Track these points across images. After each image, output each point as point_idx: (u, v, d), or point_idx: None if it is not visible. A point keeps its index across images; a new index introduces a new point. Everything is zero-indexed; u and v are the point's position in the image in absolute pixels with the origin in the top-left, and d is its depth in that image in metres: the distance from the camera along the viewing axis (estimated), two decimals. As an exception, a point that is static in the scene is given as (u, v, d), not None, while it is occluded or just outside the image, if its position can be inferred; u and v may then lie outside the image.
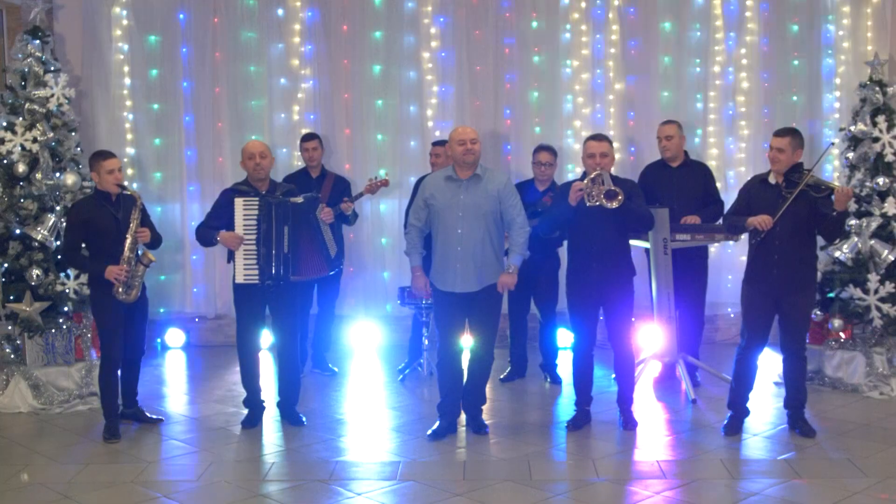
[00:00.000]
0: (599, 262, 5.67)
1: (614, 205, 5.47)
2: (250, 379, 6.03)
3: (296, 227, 5.82)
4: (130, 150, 8.29)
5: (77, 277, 6.70)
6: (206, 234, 5.87)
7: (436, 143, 7.26)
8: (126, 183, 5.83)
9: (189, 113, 8.29)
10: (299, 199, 5.86)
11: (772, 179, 5.62)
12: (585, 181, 5.57)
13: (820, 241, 6.80)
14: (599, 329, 5.95)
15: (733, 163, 8.23)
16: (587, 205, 5.52)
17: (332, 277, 6.88)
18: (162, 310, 8.39)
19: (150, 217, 6.06)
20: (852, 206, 6.96)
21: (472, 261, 5.59)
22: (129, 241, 5.70)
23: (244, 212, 5.79)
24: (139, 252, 5.79)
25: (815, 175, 5.55)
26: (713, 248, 7.90)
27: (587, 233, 5.69)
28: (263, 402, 6.12)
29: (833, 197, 5.46)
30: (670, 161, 6.79)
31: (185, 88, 8.27)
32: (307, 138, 7.35)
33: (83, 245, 5.86)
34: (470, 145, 5.59)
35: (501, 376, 7.11)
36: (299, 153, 7.59)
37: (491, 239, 5.63)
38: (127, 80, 8.23)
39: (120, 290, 5.68)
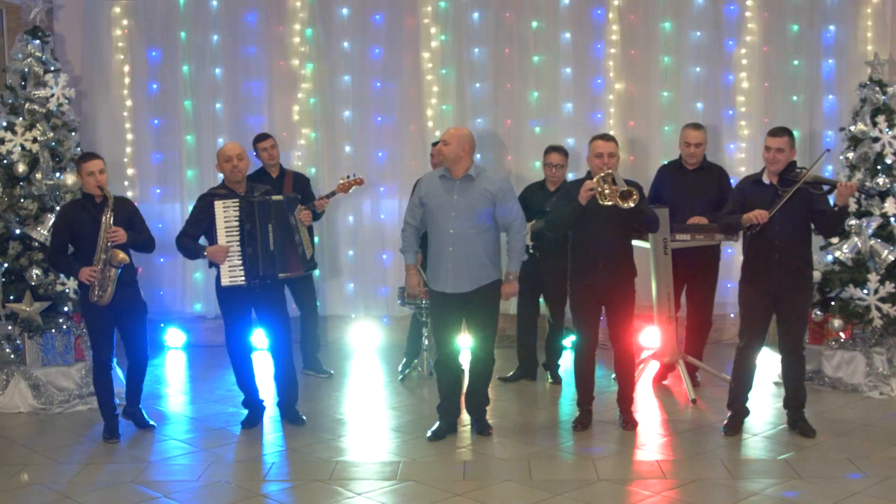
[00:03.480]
0: (602, 262, 5.67)
1: (630, 204, 5.44)
2: (246, 380, 6.02)
3: (278, 226, 5.82)
4: (129, 149, 8.28)
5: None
6: (190, 246, 5.81)
7: (437, 143, 7.22)
8: (107, 187, 5.72)
9: (188, 98, 8.27)
10: (280, 198, 5.89)
11: (766, 179, 5.62)
12: (595, 180, 5.54)
13: (820, 240, 6.85)
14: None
15: (733, 164, 8.21)
16: (600, 203, 5.49)
17: (307, 277, 6.87)
18: (162, 321, 8.38)
19: (141, 220, 5.92)
20: (852, 206, 6.96)
21: (463, 261, 5.56)
22: (100, 242, 5.64)
23: (225, 214, 5.76)
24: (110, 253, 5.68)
25: (814, 172, 5.54)
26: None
27: (590, 233, 5.68)
28: (262, 401, 6.12)
29: (835, 191, 5.46)
30: (688, 163, 6.75)
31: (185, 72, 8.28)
32: (262, 138, 7.20)
33: (70, 248, 5.83)
34: (440, 146, 5.62)
35: (507, 375, 7.07)
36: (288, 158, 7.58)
37: (483, 240, 5.60)
38: (126, 79, 8.23)
39: (95, 291, 5.66)
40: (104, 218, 5.65)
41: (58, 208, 6.68)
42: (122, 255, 5.63)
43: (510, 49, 8.18)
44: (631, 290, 5.81)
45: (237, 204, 5.78)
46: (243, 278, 5.76)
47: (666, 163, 7.07)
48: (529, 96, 8.22)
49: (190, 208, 8.21)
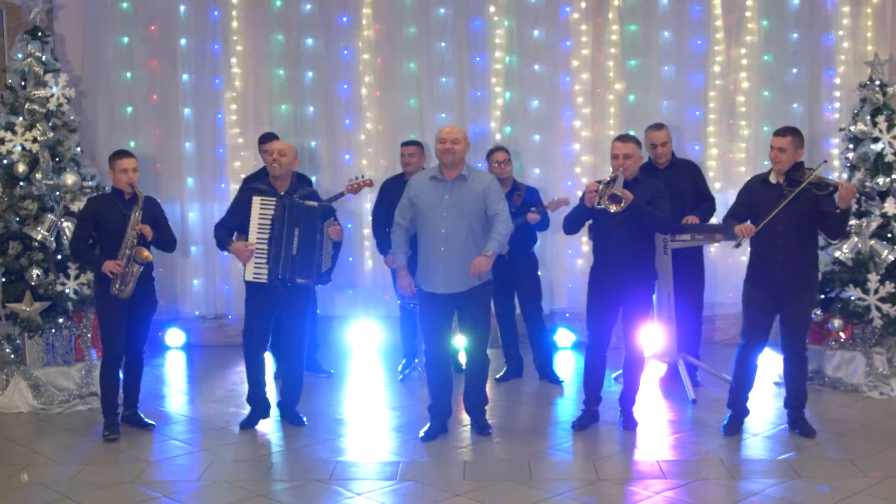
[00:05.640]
0: (620, 262, 5.65)
1: (614, 209, 5.46)
2: (256, 376, 5.99)
3: (304, 231, 5.82)
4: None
5: (77, 277, 6.70)
6: (223, 238, 5.88)
7: (406, 144, 7.21)
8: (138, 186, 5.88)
9: (188, 106, 8.28)
10: (314, 204, 5.88)
11: (772, 179, 5.62)
12: (602, 183, 5.57)
13: (821, 240, 6.85)
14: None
15: (733, 162, 8.22)
16: (595, 206, 5.52)
17: None
18: (162, 321, 8.37)
19: (165, 220, 6.05)
20: (853, 206, 6.96)
21: (455, 261, 5.55)
22: (125, 238, 5.72)
23: (261, 211, 5.78)
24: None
25: (818, 173, 5.54)
26: (713, 248, 7.90)
27: (609, 234, 5.67)
28: (268, 400, 6.10)
29: (837, 194, 5.46)
30: (658, 163, 6.78)
31: (185, 82, 8.26)
32: (267, 138, 7.11)
33: (92, 240, 5.92)
34: (450, 144, 5.54)
35: (497, 376, 7.11)
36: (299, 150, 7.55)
37: (475, 240, 5.58)
38: (127, 75, 8.24)
39: (116, 285, 5.70)
40: (133, 214, 5.75)
41: (68, 206, 6.76)
42: (146, 252, 5.75)
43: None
44: (648, 291, 5.81)
45: (273, 202, 5.79)
46: (265, 276, 5.78)
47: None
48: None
49: (189, 207, 8.33)
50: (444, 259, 5.57)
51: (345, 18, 8.19)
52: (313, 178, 8.12)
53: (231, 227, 5.93)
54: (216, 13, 8.21)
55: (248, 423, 6.01)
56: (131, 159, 5.87)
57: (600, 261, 5.78)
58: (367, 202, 8.26)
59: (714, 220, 6.91)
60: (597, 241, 5.85)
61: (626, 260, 5.66)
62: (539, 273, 7.08)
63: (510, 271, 6.79)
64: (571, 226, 5.90)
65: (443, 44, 8.16)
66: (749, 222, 5.66)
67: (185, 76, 8.24)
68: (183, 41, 8.21)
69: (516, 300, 7.09)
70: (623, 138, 5.77)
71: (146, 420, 6.06)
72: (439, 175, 5.62)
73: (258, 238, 5.78)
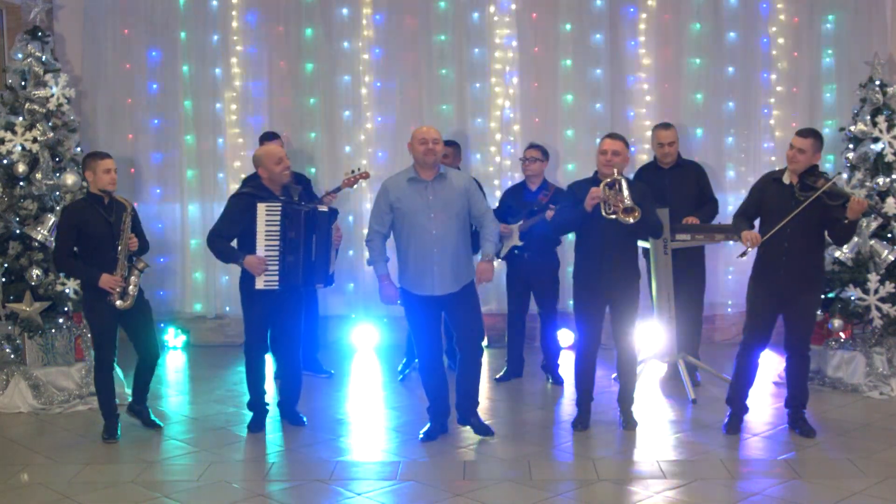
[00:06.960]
0: (607, 263, 5.64)
1: (631, 220, 5.45)
2: (258, 382, 5.97)
3: (321, 237, 5.79)
4: (130, 151, 8.28)
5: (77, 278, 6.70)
6: (226, 250, 5.73)
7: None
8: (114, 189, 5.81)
9: (188, 99, 8.28)
10: (325, 209, 5.87)
11: (786, 179, 5.60)
12: (601, 186, 5.54)
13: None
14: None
15: (732, 161, 8.22)
16: (603, 214, 5.50)
17: None
18: (162, 321, 8.37)
19: (140, 223, 5.94)
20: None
21: (449, 262, 5.52)
22: (121, 250, 5.67)
23: (267, 217, 5.66)
24: (132, 259, 5.76)
25: (834, 182, 5.50)
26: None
27: (596, 234, 5.65)
28: (268, 405, 6.09)
29: (847, 205, 5.42)
30: (664, 163, 6.78)
31: (185, 74, 8.27)
32: (269, 137, 7.08)
33: (75, 249, 5.80)
34: (432, 145, 5.48)
35: (497, 376, 7.12)
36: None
37: (464, 237, 5.60)
38: (127, 79, 8.23)
39: (116, 298, 5.65)
40: (124, 223, 5.68)
41: (58, 208, 6.69)
42: (144, 260, 5.78)
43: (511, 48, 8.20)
44: (635, 290, 5.80)
45: (279, 208, 5.69)
46: (277, 283, 5.69)
47: (643, 165, 7.11)
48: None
49: (190, 208, 8.32)
50: (437, 261, 5.52)
51: (345, 10, 8.20)
52: (312, 171, 8.15)
53: (230, 238, 5.76)
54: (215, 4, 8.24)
55: (256, 428, 5.96)
56: (111, 159, 5.76)
57: (590, 262, 5.73)
58: (367, 201, 8.26)
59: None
60: (586, 242, 5.76)
61: (617, 261, 5.66)
62: (558, 274, 7.00)
63: (530, 271, 6.78)
64: (564, 229, 5.89)
65: (443, 37, 8.17)
66: (759, 221, 5.66)
67: (184, 69, 8.24)
68: (182, 34, 8.21)
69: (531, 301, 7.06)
70: (613, 136, 5.76)
71: (154, 419, 6.04)
72: (417, 176, 5.56)
73: (267, 245, 5.66)
